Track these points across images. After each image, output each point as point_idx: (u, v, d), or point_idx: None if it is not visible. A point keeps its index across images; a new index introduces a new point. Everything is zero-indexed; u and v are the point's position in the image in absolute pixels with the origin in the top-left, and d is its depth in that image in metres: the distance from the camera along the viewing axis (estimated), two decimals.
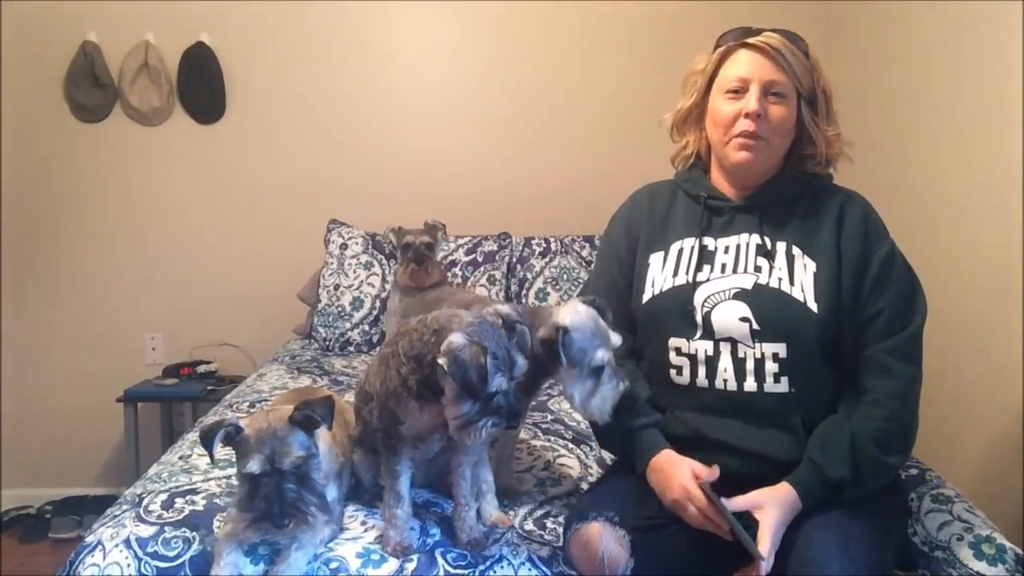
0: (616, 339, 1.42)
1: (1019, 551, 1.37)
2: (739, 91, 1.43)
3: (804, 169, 1.49)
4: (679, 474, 1.33)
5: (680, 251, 1.50)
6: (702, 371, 1.42)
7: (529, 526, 1.49)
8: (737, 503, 1.29)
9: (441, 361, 1.26)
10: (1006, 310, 2.04)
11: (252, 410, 2.06)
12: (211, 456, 1.28)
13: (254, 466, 1.26)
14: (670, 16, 3.16)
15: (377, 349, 2.19)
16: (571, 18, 3.19)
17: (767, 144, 1.43)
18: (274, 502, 1.26)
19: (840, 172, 1.53)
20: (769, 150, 1.44)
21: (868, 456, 1.32)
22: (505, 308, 1.37)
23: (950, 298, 2.16)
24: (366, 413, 1.47)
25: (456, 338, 1.27)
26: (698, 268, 1.46)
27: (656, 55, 3.11)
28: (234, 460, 1.35)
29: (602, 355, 1.38)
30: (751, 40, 1.43)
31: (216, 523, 1.41)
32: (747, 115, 1.41)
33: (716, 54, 1.48)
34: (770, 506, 1.28)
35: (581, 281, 2.85)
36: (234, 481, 1.37)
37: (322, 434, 1.37)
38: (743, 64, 1.43)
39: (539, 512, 1.53)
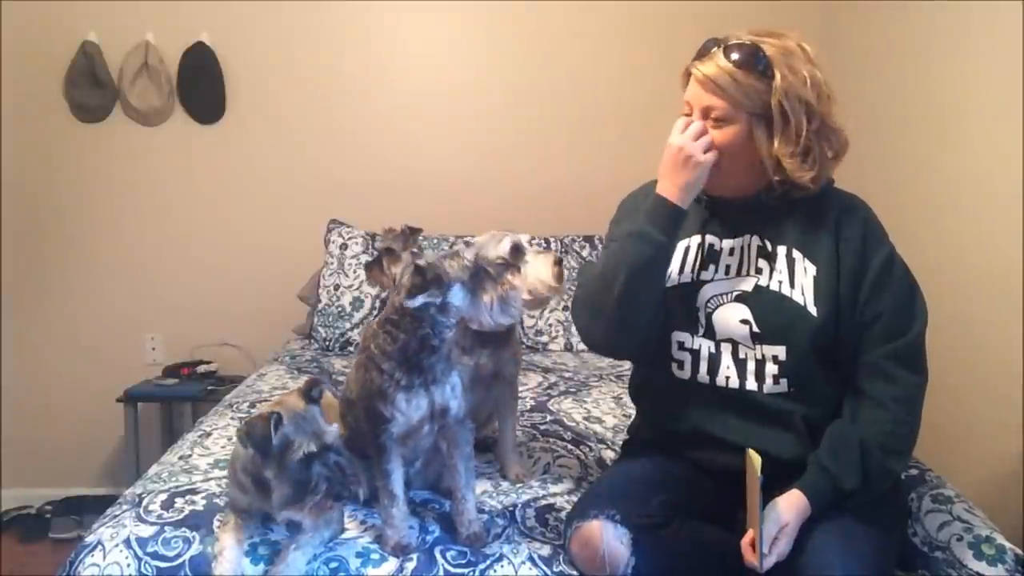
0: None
1: (1019, 551, 1.37)
2: (689, 115, 1.42)
3: (776, 190, 1.43)
4: None
5: (687, 248, 1.49)
6: (703, 367, 1.43)
7: (531, 523, 1.49)
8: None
9: (405, 304, 1.31)
10: (1006, 311, 2.04)
11: (252, 410, 2.06)
12: (269, 452, 1.25)
13: (309, 446, 1.25)
14: (671, 16, 3.16)
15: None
16: (572, 18, 3.19)
17: (714, 167, 1.40)
18: (335, 477, 1.27)
19: (839, 174, 1.52)
20: (717, 174, 1.40)
21: (876, 462, 1.32)
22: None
23: (950, 299, 2.15)
24: (351, 419, 1.48)
25: (404, 280, 1.33)
26: (703, 267, 1.46)
27: (656, 55, 3.10)
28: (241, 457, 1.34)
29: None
30: (690, 67, 1.41)
31: (216, 523, 1.41)
32: None
33: (683, 75, 1.46)
34: (792, 525, 1.27)
35: None
36: (240, 478, 1.36)
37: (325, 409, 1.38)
38: (689, 89, 1.42)
39: (540, 505, 1.53)
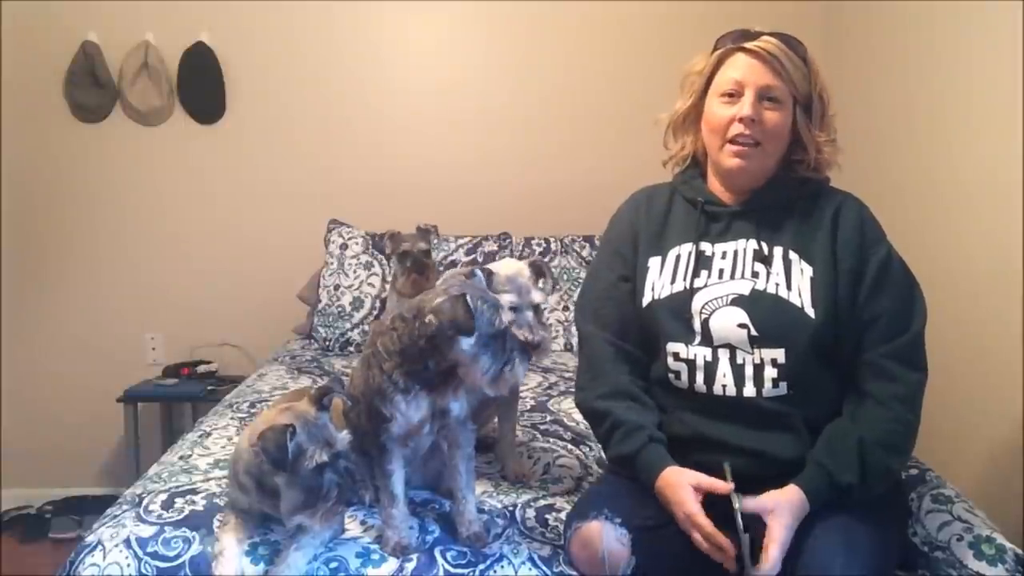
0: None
1: (1019, 551, 1.37)
2: (734, 95, 1.43)
3: (794, 173, 1.48)
4: (681, 499, 1.32)
5: (678, 257, 1.49)
6: (700, 376, 1.42)
7: (531, 523, 1.49)
8: (748, 505, 1.27)
9: (428, 319, 1.31)
10: (1006, 310, 2.04)
11: (252, 410, 2.06)
12: (285, 466, 1.25)
13: (322, 456, 1.26)
14: (670, 16, 3.16)
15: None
16: (571, 18, 3.19)
17: (761, 150, 1.43)
18: (345, 483, 1.28)
19: (838, 173, 1.53)
20: (763, 156, 1.44)
21: (875, 460, 1.32)
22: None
23: (950, 298, 2.15)
24: (353, 416, 1.48)
25: (434, 302, 1.33)
26: (695, 274, 1.46)
27: (656, 55, 3.11)
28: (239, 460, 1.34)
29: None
30: (748, 44, 1.43)
31: (216, 523, 1.41)
32: (741, 120, 1.41)
33: (713, 57, 1.47)
34: (781, 512, 1.26)
35: (581, 281, 2.85)
36: (242, 479, 1.36)
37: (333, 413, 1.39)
38: (739, 68, 1.43)
39: (540, 505, 1.53)
